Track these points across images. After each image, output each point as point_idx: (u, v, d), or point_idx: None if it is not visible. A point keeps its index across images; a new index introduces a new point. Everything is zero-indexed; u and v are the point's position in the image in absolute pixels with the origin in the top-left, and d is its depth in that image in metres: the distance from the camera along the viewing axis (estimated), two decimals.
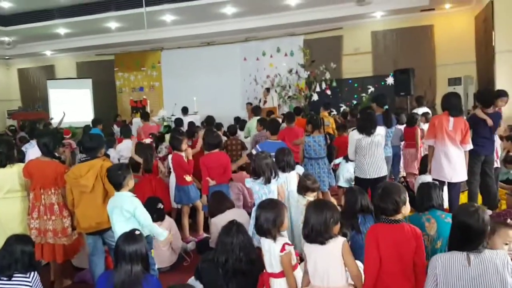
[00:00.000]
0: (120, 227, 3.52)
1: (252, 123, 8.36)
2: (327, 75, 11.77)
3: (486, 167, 5.48)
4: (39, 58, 16.81)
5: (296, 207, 4.48)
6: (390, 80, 11.09)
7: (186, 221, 5.66)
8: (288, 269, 3.05)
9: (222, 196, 4.82)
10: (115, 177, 3.70)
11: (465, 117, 5.28)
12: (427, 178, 5.06)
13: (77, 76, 16.42)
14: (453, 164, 4.91)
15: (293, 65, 12.58)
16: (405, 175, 7.52)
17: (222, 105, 13.00)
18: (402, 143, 7.48)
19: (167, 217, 4.99)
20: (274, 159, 4.63)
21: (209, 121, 8.31)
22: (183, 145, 5.56)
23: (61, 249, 4.22)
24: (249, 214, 4.68)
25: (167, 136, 7.60)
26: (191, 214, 5.81)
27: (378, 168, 5.17)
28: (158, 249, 4.56)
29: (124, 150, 7.21)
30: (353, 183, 5.58)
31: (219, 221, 4.19)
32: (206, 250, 4.41)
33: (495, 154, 5.91)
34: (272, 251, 3.08)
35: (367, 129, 5.09)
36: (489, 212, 5.32)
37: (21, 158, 5.52)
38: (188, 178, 5.49)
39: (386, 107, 6.16)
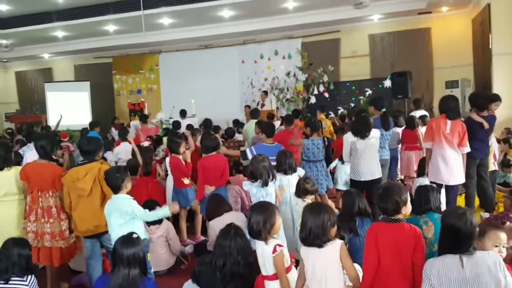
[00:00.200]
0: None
1: (250, 126, 8.36)
2: (325, 78, 11.79)
3: (481, 171, 5.52)
4: (37, 61, 16.80)
5: (295, 210, 4.48)
6: (387, 83, 11.10)
7: (183, 224, 5.66)
8: (281, 270, 3.05)
9: (220, 199, 4.81)
10: (113, 180, 3.70)
11: (462, 120, 5.28)
12: (424, 181, 5.07)
13: (75, 79, 16.44)
14: (451, 167, 4.92)
15: (291, 68, 12.61)
16: (402, 177, 7.53)
17: (220, 108, 13.03)
18: (400, 145, 7.49)
19: (164, 220, 4.98)
20: (271, 162, 4.63)
21: (206, 124, 8.30)
22: (181, 148, 5.56)
23: (58, 252, 4.20)
24: (247, 217, 4.67)
25: (165, 139, 7.59)
26: (189, 217, 5.81)
27: (372, 171, 5.23)
28: (155, 252, 4.56)
29: (121, 153, 7.19)
30: None
31: (217, 224, 4.19)
32: (204, 253, 4.41)
33: (492, 157, 5.94)
34: (264, 253, 3.09)
35: (361, 132, 5.14)
36: (487, 214, 5.35)
37: (18, 161, 5.51)
38: (186, 181, 5.49)
39: (384, 110, 6.17)
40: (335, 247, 2.85)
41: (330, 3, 10.95)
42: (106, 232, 3.87)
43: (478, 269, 2.46)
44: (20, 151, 6.75)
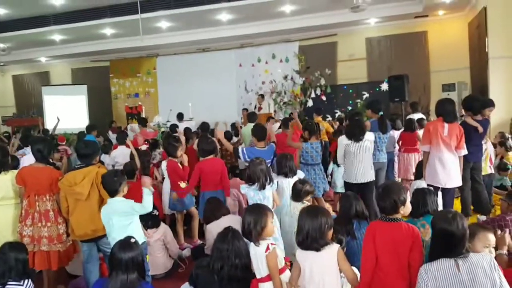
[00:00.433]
0: (119, 232, 3.50)
1: (247, 129, 8.35)
2: (322, 81, 11.81)
3: (475, 174, 5.55)
4: (34, 64, 16.78)
5: (294, 214, 4.48)
6: (384, 86, 11.14)
7: (180, 228, 5.65)
8: (273, 269, 3.04)
9: (218, 203, 4.80)
10: (110, 184, 3.69)
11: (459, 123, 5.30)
12: (422, 183, 5.08)
13: (72, 83, 16.41)
14: (448, 170, 4.94)
15: (288, 71, 12.63)
16: (400, 180, 7.54)
17: (218, 111, 13.01)
18: (396, 148, 7.50)
19: (162, 223, 4.98)
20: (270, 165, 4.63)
21: (204, 127, 8.30)
22: (179, 152, 5.55)
23: (56, 256, 4.18)
24: None
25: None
26: (186, 220, 5.80)
27: (365, 174, 5.31)
28: (153, 255, 4.55)
29: (119, 156, 7.18)
30: None
31: (215, 228, 4.18)
32: (202, 257, 4.40)
33: (488, 161, 5.96)
34: (257, 254, 3.09)
35: (355, 135, 5.23)
36: (484, 217, 5.36)
37: (15, 165, 5.49)
38: (183, 184, 5.48)
39: (381, 113, 6.19)
40: (333, 251, 2.85)
41: (327, 6, 10.99)
42: (104, 236, 3.87)
43: (474, 271, 2.48)
44: (17, 155, 6.73)
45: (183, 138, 6.28)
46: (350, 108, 12.03)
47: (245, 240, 3.34)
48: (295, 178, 4.84)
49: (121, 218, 3.63)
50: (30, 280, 3.12)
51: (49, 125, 13.78)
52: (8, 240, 3.39)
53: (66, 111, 14.53)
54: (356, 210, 3.96)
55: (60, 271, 4.48)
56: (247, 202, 4.52)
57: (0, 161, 4.31)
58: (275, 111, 11.92)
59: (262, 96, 11.94)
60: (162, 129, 10.78)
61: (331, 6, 10.93)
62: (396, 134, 7.42)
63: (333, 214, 4.93)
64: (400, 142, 7.47)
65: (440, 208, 4.86)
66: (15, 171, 4.37)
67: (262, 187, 4.17)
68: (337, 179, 6.62)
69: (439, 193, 5.00)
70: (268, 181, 4.21)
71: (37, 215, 4.14)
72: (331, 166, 6.67)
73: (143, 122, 9.98)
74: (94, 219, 3.89)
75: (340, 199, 4.21)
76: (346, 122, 9.24)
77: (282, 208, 4.59)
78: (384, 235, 2.83)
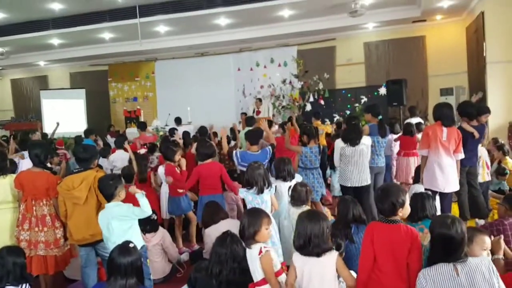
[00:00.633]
0: (119, 238, 3.48)
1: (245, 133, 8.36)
2: (321, 85, 11.83)
3: (471, 179, 5.56)
4: (32, 68, 16.78)
5: (293, 219, 4.48)
6: (382, 91, 11.16)
7: (179, 232, 5.63)
8: (268, 271, 3.04)
9: (216, 207, 4.80)
10: (106, 188, 3.69)
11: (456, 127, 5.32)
12: (420, 188, 5.08)
13: (71, 87, 16.42)
14: (446, 174, 4.94)
15: (286, 75, 12.64)
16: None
17: (216, 115, 13.01)
18: (395, 152, 7.51)
19: (160, 228, 4.97)
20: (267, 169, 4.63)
21: (202, 131, 8.30)
22: (177, 156, 5.55)
23: (52, 260, 4.18)
24: None
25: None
26: (184, 225, 5.79)
27: (360, 177, 5.35)
28: (151, 260, 4.53)
29: (117, 160, 7.17)
30: None
31: (213, 232, 4.18)
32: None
33: (485, 167, 5.97)
34: (252, 257, 3.10)
35: (351, 139, 5.28)
36: (482, 221, 5.37)
37: (13, 169, 5.49)
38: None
39: (380, 117, 6.21)
40: (332, 257, 2.86)
41: (325, 11, 11.01)
42: (102, 240, 3.86)
43: (473, 275, 2.49)
44: (15, 159, 6.71)
45: (180, 142, 6.28)
46: (348, 112, 12.04)
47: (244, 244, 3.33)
48: (293, 182, 4.84)
49: (121, 223, 3.62)
50: (28, 284, 3.11)
51: (47, 129, 13.76)
52: (6, 244, 3.37)
53: (64, 115, 14.51)
54: (353, 214, 3.96)
55: (57, 276, 4.48)
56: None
57: None
58: (273, 115, 11.93)
59: (260, 100, 11.95)
60: (161, 133, 10.76)
61: (329, 11, 10.95)
62: (393, 138, 7.43)
63: (332, 218, 4.92)
64: (398, 146, 7.48)
65: (438, 212, 4.87)
66: (14, 175, 4.37)
67: (261, 191, 4.17)
68: (335, 182, 6.63)
69: (437, 198, 5.00)
70: (267, 185, 4.21)
71: (34, 219, 4.15)
72: (329, 170, 6.68)
73: (142, 126, 9.97)
74: (92, 223, 3.88)
75: (338, 204, 4.21)
76: (344, 126, 9.28)
77: (281, 213, 4.58)
78: (382, 236, 2.84)
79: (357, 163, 5.34)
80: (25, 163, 5.96)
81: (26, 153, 6.59)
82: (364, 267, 2.88)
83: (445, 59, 11.74)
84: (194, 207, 5.68)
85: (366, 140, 5.39)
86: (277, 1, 10.11)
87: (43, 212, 4.16)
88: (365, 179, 5.42)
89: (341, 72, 13.10)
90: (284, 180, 4.79)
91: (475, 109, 5.57)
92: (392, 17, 11.29)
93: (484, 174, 5.96)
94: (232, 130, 8.47)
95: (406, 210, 2.94)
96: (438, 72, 11.91)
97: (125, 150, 6.85)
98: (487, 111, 5.75)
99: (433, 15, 11.34)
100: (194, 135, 8.82)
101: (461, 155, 5.01)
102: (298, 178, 5.13)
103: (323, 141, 8.35)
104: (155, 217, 4.82)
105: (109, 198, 3.69)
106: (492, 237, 3.33)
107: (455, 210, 5.48)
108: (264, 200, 4.19)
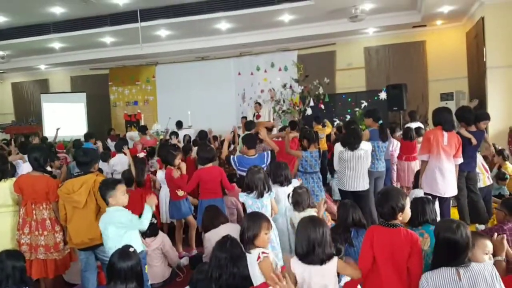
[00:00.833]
0: (116, 241, 3.48)
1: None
2: (321, 90, 11.84)
3: (470, 184, 5.55)
4: (33, 72, 16.82)
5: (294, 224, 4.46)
6: (383, 95, 11.19)
7: (179, 236, 5.62)
8: (269, 276, 2.96)
9: (216, 211, 4.79)
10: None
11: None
12: (420, 192, 5.07)
13: (71, 90, 16.45)
14: (447, 179, 4.95)
15: (287, 79, 12.66)
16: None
17: (217, 119, 13.03)
18: (395, 156, 7.51)
19: (160, 232, 4.96)
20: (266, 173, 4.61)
21: (201, 135, 8.31)
22: (177, 160, 5.54)
23: (52, 264, 4.18)
24: None
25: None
26: (184, 229, 5.77)
27: (357, 182, 5.35)
28: (151, 264, 4.53)
29: (117, 164, 7.17)
30: None
31: (213, 236, 4.17)
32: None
33: (485, 171, 5.95)
34: (251, 263, 3.08)
35: (350, 144, 5.29)
36: (483, 227, 5.36)
37: (12, 173, 5.49)
38: (181, 192, 5.47)
39: (381, 121, 6.20)
40: (333, 263, 2.85)
41: (325, 16, 11.05)
42: (101, 244, 3.84)
43: (475, 280, 2.49)
44: (14, 163, 6.71)
45: (180, 145, 6.27)
46: (348, 117, 12.05)
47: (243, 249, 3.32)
48: (290, 187, 4.83)
49: (118, 230, 3.58)
50: None
51: (48, 132, 13.78)
52: (6, 248, 3.37)
53: (65, 118, 14.54)
54: (353, 218, 3.95)
55: (57, 280, 4.47)
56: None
57: (0, 169, 4.31)
58: (274, 119, 11.93)
59: (259, 104, 11.96)
60: (161, 137, 10.77)
61: (330, 15, 10.99)
62: (394, 142, 7.43)
63: (333, 222, 4.92)
64: (399, 151, 7.48)
65: (438, 217, 4.86)
66: (14, 179, 4.37)
67: (260, 195, 4.16)
68: (335, 186, 6.62)
69: (436, 202, 5.00)
70: (267, 189, 4.20)
71: (34, 223, 4.14)
72: (329, 175, 6.68)
73: (143, 130, 9.98)
74: (92, 227, 3.87)
75: (338, 208, 4.21)
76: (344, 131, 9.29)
77: (278, 218, 4.56)
78: (382, 240, 2.84)
79: (355, 168, 5.34)
80: (25, 167, 5.97)
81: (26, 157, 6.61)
82: (362, 267, 2.90)
83: (445, 64, 11.77)
84: (194, 211, 5.68)
85: (365, 146, 5.39)
86: (278, 6, 10.14)
87: (43, 216, 4.16)
88: (362, 184, 5.40)
89: (341, 76, 13.12)
90: (281, 184, 4.76)
91: (473, 115, 5.56)
92: (393, 22, 11.34)
93: (484, 179, 5.93)
94: (233, 134, 8.47)
95: (406, 215, 2.94)
96: (438, 77, 11.94)
97: (124, 153, 6.84)
98: (486, 117, 5.71)
99: (434, 20, 11.37)
100: (194, 139, 8.83)
101: (461, 160, 5.03)
102: (294, 183, 5.12)
103: (323, 145, 8.35)
104: (155, 221, 4.81)
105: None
106: (496, 235, 3.30)
107: (455, 215, 5.47)
108: (264, 204, 4.18)
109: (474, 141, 5.34)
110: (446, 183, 4.96)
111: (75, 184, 3.91)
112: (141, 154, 7.53)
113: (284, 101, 12.46)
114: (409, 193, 5.90)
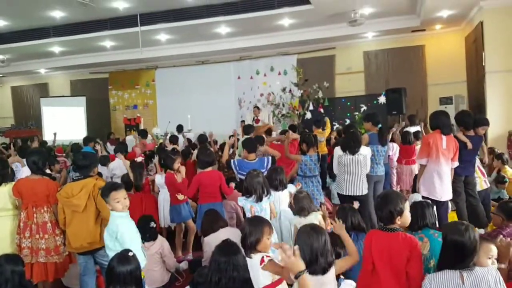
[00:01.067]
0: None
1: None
2: (320, 94, 11.86)
3: (469, 189, 5.53)
4: (33, 76, 16.84)
5: (288, 227, 4.46)
6: (382, 99, 11.20)
7: (179, 241, 5.62)
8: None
9: (216, 215, 4.79)
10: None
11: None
12: (419, 197, 5.07)
13: (71, 94, 16.46)
14: (444, 183, 4.96)
15: (286, 83, 12.68)
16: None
17: (217, 123, 13.02)
18: (394, 160, 7.52)
19: (159, 236, 4.94)
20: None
21: (201, 139, 8.31)
22: (176, 164, 5.54)
23: (52, 267, 4.17)
24: None
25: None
26: (183, 233, 5.77)
27: (355, 187, 5.34)
28: (150, 269, 4.51)
29: (116, 168, 7.16)
30: None
31: (213, 240, 4.16)
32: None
33: (481, 175, 5.95)
34: (253, 267, 3.06)
35: (349, 148, 5.29)
36: (482, 231, 5.35)
37: (12, 177, 5.48)
38: (181, 196, 5.47)
39: (380, 125, 6.21)
40: (331, 273, 2.85)
41: (325, 20, 11.08)
42: (100, 248, 3.84)
43: (479, 284, 2.48)
44: (13, 166, 6.70)
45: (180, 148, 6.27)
46: (348, 121, 12.07)
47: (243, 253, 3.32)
48: (286, 192, 4.83)
49: (107, 235, 3.49)
50: None
51: (47, 136, 13.77)
52: (5, 252, 3.36)
53: (64, 122, 14.55)
54: (352, 222, 3.96)
55: (56, 284, 4.45)
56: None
57: (0, 173, 4.31)
58: (273, 123, 11.95)
59: (258, 108, 11.97)
60: (160, 141, 10.77)
61: (329, 20, 11.02)
62: (393, 146, 7.43)
63: (332, 226, 4.90)
64: (398, 154, 7.49)
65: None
66: (13, 183, 4.37)
67: (259, 199, 4.17)
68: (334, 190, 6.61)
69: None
70: (265, 193, 4.20)
71: (35, 226, 4.14)
72: (329, 179, 6.68)
73: (143, 134, 9.98)
74: (91, 231, 3.88)
75: (337, 212, 4.20)
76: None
77: (272, 222, 4.55)
78: (381, 244, 2.85)
79: (353, 173, 5.32)
80: (24, 171, 5.96)
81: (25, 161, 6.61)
82: (364, 269, 2.93)
83: (445, 68, 11.80)
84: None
85: (364, 151, 5.38)
86: (277, 10, 10.18)
87: (44, 219, 4.16)
88: (360, 189, 5.38)
89: (341, 80, 13.15)
90: (276, 189, 4.77)
91: (472, 119, 5.55)
92: (392, 26, 11.37)
93: (481, 182, 5.92)
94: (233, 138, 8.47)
95: (405, 219, 2.93)
96: (438, 81, 11.97)
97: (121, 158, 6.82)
98: (486, 123, 5.67)
99: (433, 25, 11.40)
100: (194, 143, 8.82)
101: (457, 163, 5.05)
102: (290, 188, 5.12)
103: (323, 148, 8.35)
104: (154, 225, 4.80)
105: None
106: (501, 237, 3.28)
107: (453, 219, 5.46)
108: (263, 208, 4.19)
109: (469, 145, 5.30)
110: (444, 187, 4.97)
111: (75, 188, 3.91)
112: (139, 158, 7.52)
113: (283, 105, 12.48)
114: (408, 197, 5.91)
